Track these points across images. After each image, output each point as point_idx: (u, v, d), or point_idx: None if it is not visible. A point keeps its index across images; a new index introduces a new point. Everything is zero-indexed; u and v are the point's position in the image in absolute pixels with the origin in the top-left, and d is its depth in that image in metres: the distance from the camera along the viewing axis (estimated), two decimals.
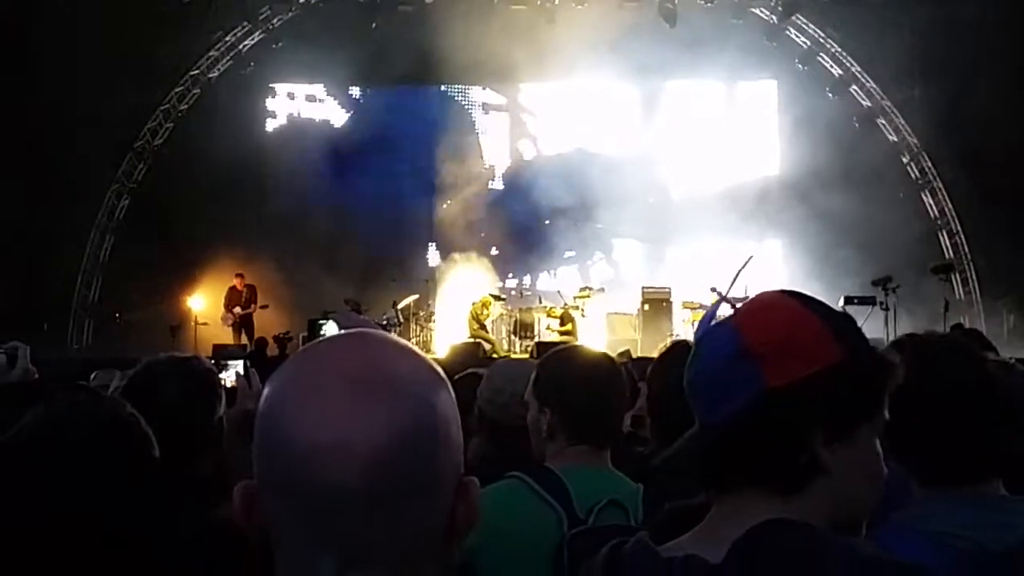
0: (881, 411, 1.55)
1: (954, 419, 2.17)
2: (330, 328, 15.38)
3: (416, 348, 1.31)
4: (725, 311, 1.62)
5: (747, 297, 1.62)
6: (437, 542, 1.22)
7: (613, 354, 3.49)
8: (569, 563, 2.55)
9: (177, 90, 21.17)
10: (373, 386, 1.17)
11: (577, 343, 3.98)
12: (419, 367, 1.24)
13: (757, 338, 1.51)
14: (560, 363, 3.04)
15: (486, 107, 21.51)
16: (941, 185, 20.75)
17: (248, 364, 3.38)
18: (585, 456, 2.89)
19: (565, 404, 2.92)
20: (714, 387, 1.55)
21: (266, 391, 1.23)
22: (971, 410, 2.19)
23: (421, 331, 19.76)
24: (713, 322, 1.61)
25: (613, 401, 3.00)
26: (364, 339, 1.27)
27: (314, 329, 16.79)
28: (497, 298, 19.04)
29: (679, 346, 3.80)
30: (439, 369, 1.27)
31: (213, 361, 3.92)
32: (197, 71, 21.23)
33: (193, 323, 19.11)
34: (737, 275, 1.70)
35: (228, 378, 3.47)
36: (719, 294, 1.64)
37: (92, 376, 4.21)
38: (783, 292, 1.61)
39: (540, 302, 20.14)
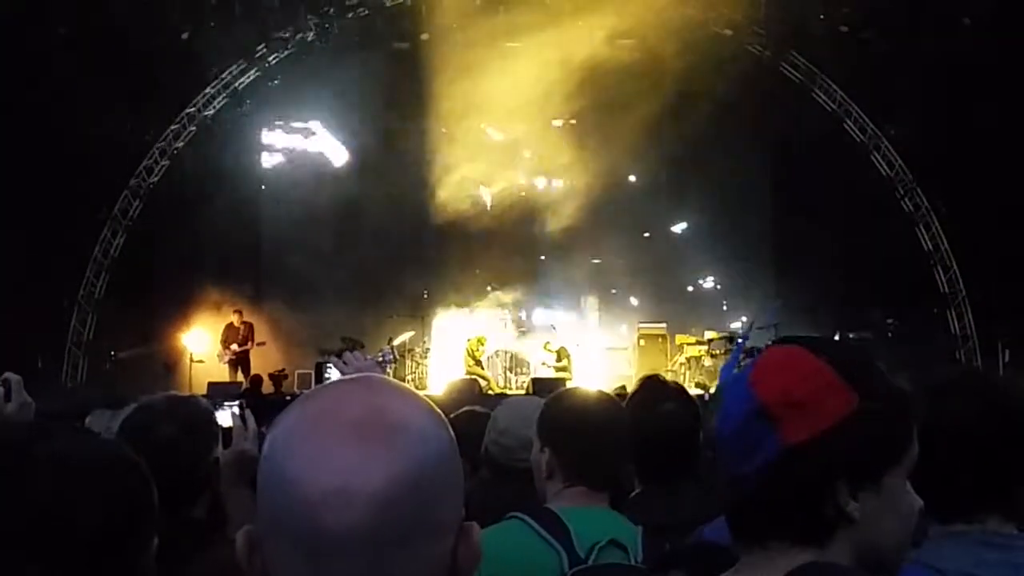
0: (906, 450, 1.56)
1: (959, 454, 2.16)
2: (333, 373, 15.37)
3: (417, 392, 1.32)
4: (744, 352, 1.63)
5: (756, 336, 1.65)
6: None
7: (609, 390, 3.49)
8: None
9: (173, 127, 21.19)
10: (374, 432, 1.19)
11: (584, 387, 3.98)
12: (420, 412, 1.25)
13: (772, 398, 1.53)
14: (562, 404, 3.08)
15: (482, 143, 21.55)
16: (935, 219, 20.80)
17: (243, 404, 3.35)
18: (584, 497, 2.90)
19: (564, 445, 2.95)
20: (737, 444, 1.57)
21: (269, 436, 1.25)
22: (976, 445, 2.18)
23: (416, 367, 19.78)
24: (735, 369, 1.65)
25: (613, 444, 3.00)
26: (366, 384, 1.28)
27: (321, 371, 16.81)
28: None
29: (644, 387, 3.81)
30: (440, 413, 1.28)
31: (208, 398, 3.90)
32: (193, 108, 21.28)
33: (188, 360, 19.08)
34: (751, 327, 1.72)
35: (224, 418, 3.45)
36: (738, 342, 1.66)
37: (87, 419, 4.17)
38: (795, 343, 1.62)
39: (536, 338, 20.15)
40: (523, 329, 20.66)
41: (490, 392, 16.99)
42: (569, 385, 17.09)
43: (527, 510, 2.84)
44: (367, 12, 21.11)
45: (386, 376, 1.36)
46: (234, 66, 21.30)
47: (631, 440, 3.56)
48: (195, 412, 3.04)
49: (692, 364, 18.90)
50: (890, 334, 17.47)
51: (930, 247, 20.98)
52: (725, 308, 21.25)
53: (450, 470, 1.24)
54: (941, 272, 20.90)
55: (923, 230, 21.02)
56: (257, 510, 1.22)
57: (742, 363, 1.64)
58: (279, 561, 1.19)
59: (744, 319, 19.77)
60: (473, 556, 1.25)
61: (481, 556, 1.27)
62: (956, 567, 2.07)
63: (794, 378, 1.54)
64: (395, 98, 20.28)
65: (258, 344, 18.77)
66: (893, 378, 1.59)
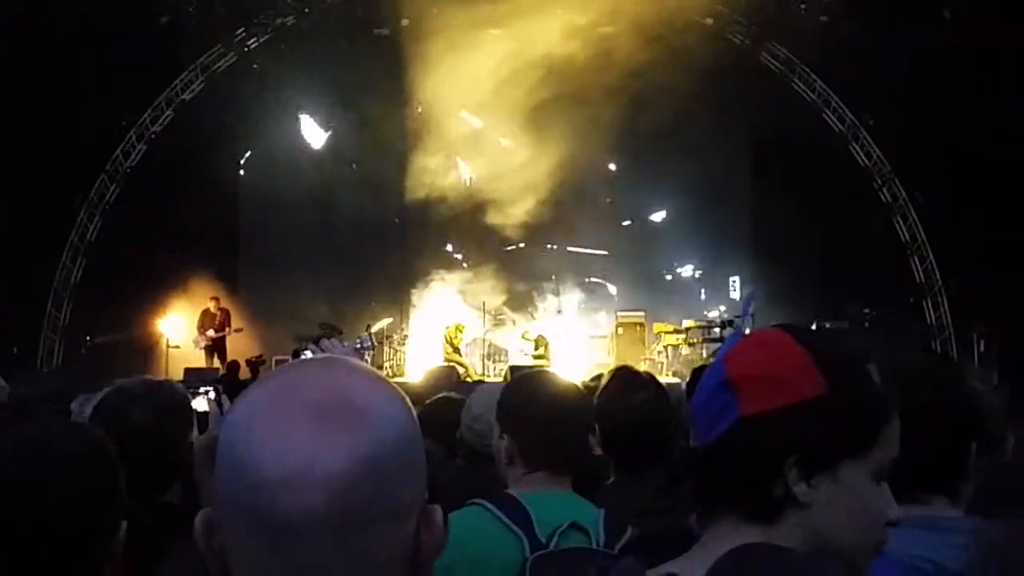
0: (871, 449, 1.55)
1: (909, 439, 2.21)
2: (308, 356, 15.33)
3: (379, 373, 1.29)
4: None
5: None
6: (401, 568, 1.21)
7: (587, 378, 3.50)
8: None
9: (149, 112, 21.07)
10: (334, 413, 1.16)
11: (544, 369, 3.95)
12: (381, 393, 1.22)
13: (738, 370, 1.55)
14: (521, 390, 3.06)
15: (462, 129, 21.49)
16: (912, 210, 20.89)
17: (220, 389, 3.34)
18: (545, 482, 2.90)
19: (524, 432, 2.94)
20: (703, 414, 1.58)
21: (227, 417, 1.22)
22: (925, 432, 2.19)
23: (395, 355, 19.77)
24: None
25: (573, 430, 3.00)
26: (327, 365, 1.26)
27: (298, 357, 16.74)
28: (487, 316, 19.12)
29: (616, 376, 3.82)
30: (403, 395, 1.25)
31: (184, 384, 3.88)
32: (171, 92, 21.16)
33: (165, 346, 19.01)
34: (746, 311, 1.73)
35: (199, 403, 3.43)
36: (736, 328, 1.68)
37: (72, 402, 4.14)
38: (784, 326, 1.63)
39: (514, 325, 20.17)
40: (501, 317, 20.66)
41: (468, 379, 16.99)
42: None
43: (487, 496, 2.83)
44: None
45: (350, 358, 1.33)
46: (212, 50, 21.19)
47: (604, 429, 3.59)
48: (170, 396, 3.03)
49: (670, 352, 18.94)
50: (867, 324, 17.55)
51: (907, 237, 21.08)
52: (703, 297, 21.31)
53: (412, 453, 1.22)
54: (918, 262, 21.00)
55: (900, 220, 21.11)
56: (216, 492, 1.19)
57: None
58: (237, 544, 1.17)
59: (723, 308, 19.86)
60: (436, 539, 1.23)
61: (445, 539, 1.25)
62: (901, 550, 2.09)
63: (765, 355, 1.56)
64: (374, 83, 20.17)
65: (235, 331, 18.73)
66: (878, 381, 1.59)
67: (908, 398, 2.19)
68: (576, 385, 3.19)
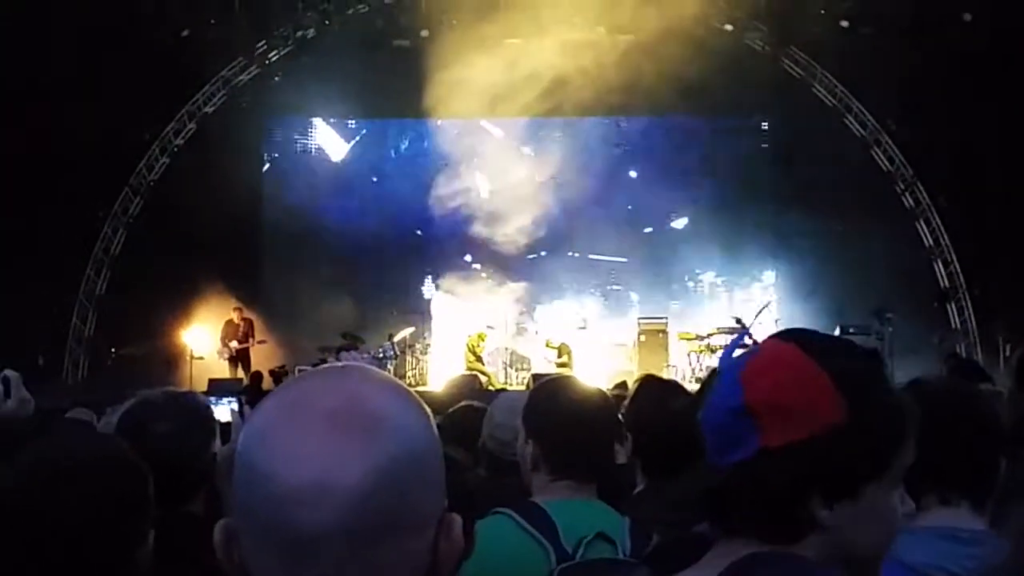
0: (892, 467, 1.53)
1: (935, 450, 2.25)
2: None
3: (396, 381, 1.29)
4: (745, 342, 1.62)
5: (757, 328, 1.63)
6: None
7: (609, 385, 3.50)
8: None
9: (173, 125, 21.18)
10: (351, 423, 1.16)
11: (570, 375, 3.93)
12: (398, 402, 1.22)
13: (758, 396, 1.51)
14: (548, 396, 3.03)
15: (483, 139, 21.53)
16: (935, 214, 20.77)
17: (243, 400, 3.35)
18: (570, 490, 2.87)
19: (550, 437, 2.91)
20: (719, 436, 1.55)
21: (245, 428, 1.21)
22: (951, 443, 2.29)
23: (417, 364, 19.79)
24: (733, 355, 1.61)
25: (599, 436, 2.97)
26: (343, 374, 1.25)
27: None
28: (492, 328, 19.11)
29: (646, 385, 3.81)
30: (420, 402, 1.25)
31: (208, 395, 3.90)
32: (193, 106, 21.27)
33: (189, 357, 19.07)
34: (759, 314, 1.71)
35: (222, 414, 3.45)
36: (742, 325, 1.65)
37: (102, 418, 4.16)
38: (793, 340, 1.58)
39: (537, 334, 20.16)
40: (524, 325, 20.65)
41: (491, 388, 16.98)
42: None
43: (513, 505, 2.80)
44: (367, 9, 21.07)
45: (367, 366, 1.33)
46: (234, 63, 21.29)
47: (638, 437, 3.57)
48: (193, 407, 3.04)
49: (692, 359, 18.87)
50: (890, 329, 17.45)
51: (931, 242, 20.96)
52: (725, 303, 21.24)
53: (430, 462, 1.21)
54: (941, 267, 20.88)
55: (924, 225, 20.99)
56: (234, 503, 1.19)
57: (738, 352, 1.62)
58: (255, 555, 1.17)
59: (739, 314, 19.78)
60: (455, 549, 1.22)
61: (463, 548, 1.24)
62: (923, 560, 2.16)
63: (783, 381, 1.51)
64: (394, 94, 20.25)
65: (258, 342, 18.78)
66: (892, 388, 1.57)
67: (938, 411, 2.24)
68: (603, 392, 3.16)
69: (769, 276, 20.78)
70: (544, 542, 2.66)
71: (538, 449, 2.92)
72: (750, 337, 1.62)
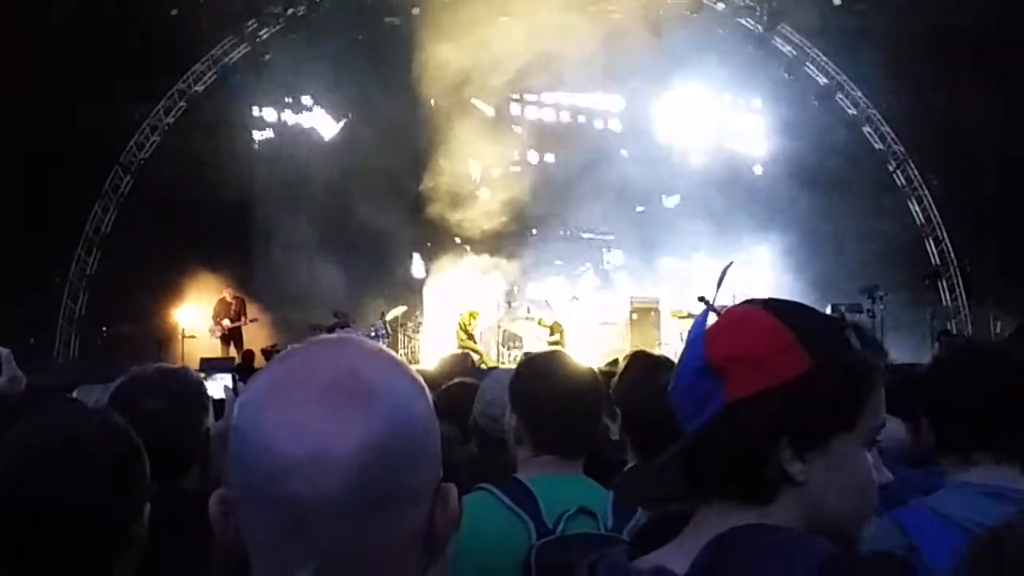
0: (860, 419, 1.53)
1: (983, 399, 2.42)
2: None
3: (391, 353, 1.28)
4: (712, 319, 1.62)
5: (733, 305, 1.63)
6: (416, 548, 1.21)
7: (601, 363, 3.49)
8: (537, 572, 2.55)
9: (162, 103, 21.11)
10: (348, 394, 1.15)
11: (558, 351, 3.90)
12: (395, 373, 1.22)
13: (721, 353, 1.52)
14: (533, 371, 3.03)
15: (474, 117, 21.49)
16: (927, 192, 20.81)
17: (236, 377, 3.35)
18: (553, 465, 2.86)
19: (533, 412, 2.90)
20: (687, 400, 1.56)
21: (240, 400, 1.21)
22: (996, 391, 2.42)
23: (409, 342, 19.80)
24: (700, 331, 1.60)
25: (584, 412, 2.95)
26: (338, 346, 1.25)
27: None
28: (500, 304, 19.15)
29: (635, 361, 3.80)
30: (415, 374, 1.25)
31: (201, 374, 3.89)
32: (183, 84, 21.19)
33: (180, 336, 19.05)
34: (720, 282, 1.70)
35: (215, 390, 3.44)
36: (706, 303, 1.64)
37: (74, 391, 4.16)
38: (758, 303, 1.60)
39: (529, 312, 20.17)
40: (515, 303, 20.66)
41: (483, 366, 16.98)
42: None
43: (495, 481, 2.79)
44: None
45: (362, 338, 1.32)
46: (224, 41, 21.20)
47: (627, 413, 3.57)
48: (185, 383, 3.04)
49: (684, 337, 18.86)
50: (882, 307, 17.50)
51: (922, 220, 21.00)
52: (717, 281, 21.24)
53: (425, 432, 1.21)
54: (932, 244, 20.94)
55: (915, 203, 21.04)
56: (230, 475, 1.18)
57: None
58: (252, 526, 1.17)
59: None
60: (451, 519, 1.23)
61: (459, 518, 1.24)
62: (963, 515, 2.22)
63: (746, 336, 1.53)
64: (386, 72, 20.18)
65: (250, 320, 18.75)
66: (864, 344, 1.56)
67: (1002, 371, 2.46)
68: (590, 368, 3.14)
69: (761, 253, 20.78)
70: (525, 517, 2.66)
71: (522, 424, 2.91)
72: (715, 312, 1.62)
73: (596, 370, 3.34)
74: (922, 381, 2.59)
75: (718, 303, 1.64)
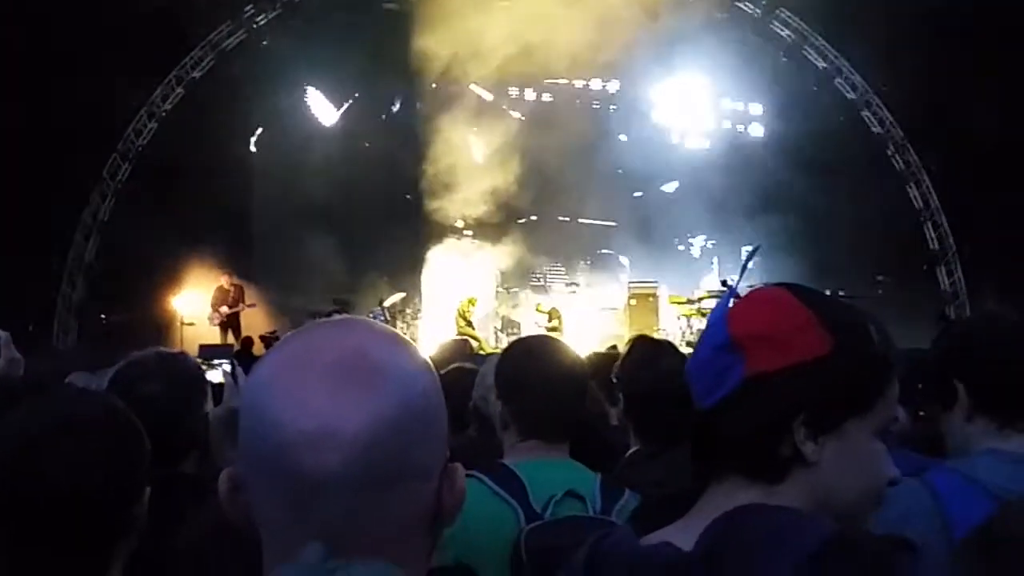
0: (875, 405, 1.55)
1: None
2: None
3: (399, 333, 1.30)
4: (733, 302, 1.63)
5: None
6: (424, 526, 1.22)
7: (602, 349, 3.49)
8: (527, 557, 2.55)
9: (160, 90, 21.07)
10: (357, 372, 1.17)
11: (544, 335, 3.90)
12: (403, 352, 1.23)
13: (743, 329, 1.54)
14: (517, 356, 3.03)
15: (473, 102, 21.47)
16: (926, 177, 20.81)
17: (235, 362, 3.34)
18: (540, 450, 2.87)
19: (518, 397, 2.91)
20: (705, 375, 1.57)
21: (250, 378, 1.22)
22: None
23: (408, 328, 19.79)
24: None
25: (569, 395, 2.95)
26: (348, 326, 1.26)
27: None
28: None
29: (638, 345, 3.80)
30: (424, 355, 1.26)
31: (200, 359, 3.89)
32: (181, 70, 21.15)
33: (179, 323, 19.06)
34: (745, 267, 1.72)
35: (215, 376, 3.45)
36: (729, 287, 1.65)
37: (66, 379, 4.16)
38: (783, 285, 1.62)
39: (527, 298, 20.18)
40: (514, 289, 20.66)
41: (482, 352, 16.97)
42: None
43: (481, 467, 2.79)
44: None
45: (369, 319, 1.34)
46: (222, 26, 21.15)
47: (629, 397, 3.57)
48: (184, 368, 3.04)
49: (683, 323, 18.92)
50: (880, 291, 17.54)
51: (920, 204, 21.01)
52: (716, 267, 21.28)
53: (433, 411, 1.22)
54: (931, 229, 20.95)
55: (914, 187, 21.04)
56: (240, 452, 1.20)
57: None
58: (261, 504, 1.18)
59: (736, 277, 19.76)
60: (457, 497, 1.25)
61: (465, 497, 1.26)
62: (991, 480, 2.26)
63: (770, 314, 1.55)
64: (384, 58, 20.14)
65: (248, 306, 18.76)
66: (881, 339, 1.58)
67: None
68: (574, 352, 3.12)
69: (759, 238, 20.77)
70: (513, 503, 2.68)
71: (507, 409, 2.92)
72: (737, 296, 1.63)
73: (595, 354, 3.34)
74: (959, 346, 2.61)
75: (740, 286, 1.65)
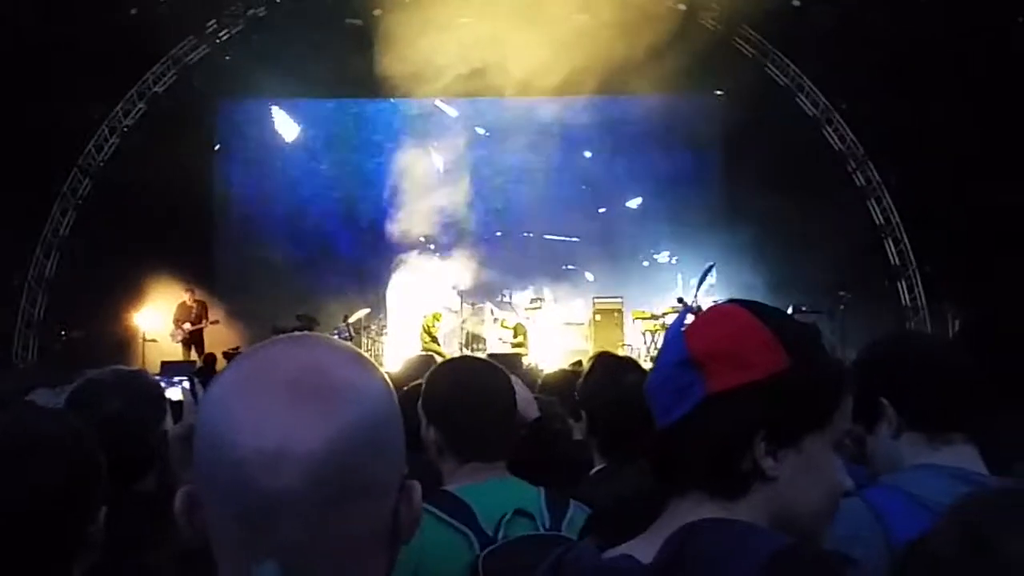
0: (831, 420, 1.57)
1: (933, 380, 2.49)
2: None
3: (355, 349, 1.30)
4: (690, 319, 1.65)
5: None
6: (381, 543, 1.22)
7: (565, 364, 3.49)
8: None
9: (121, 105, 20.93)
10: (310, 390, 1.16)
11: (465, 356, 3.89)
12: (359, 370, 1.23)
13: (702, 347, 1.56)
14: (440, 381, 2.99)
15: (437, 119, 21.48)
16: (886, 193, 21.00)
17: (195, 379, 3.30)
18: (478, 472, 2.85)
19: (446, 420, 2.89)
20: (665, 393, 1.58)
21: (206, 396, 1.22)
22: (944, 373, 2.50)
23: (372, 345, 19.74)
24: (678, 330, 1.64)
25: (497, 412, 2.92)
26: (303, 343, 1.26)
27: None
28: (453, 310, 19.13)
29: (601, 361, 3.81)
30: (381, 371, 1.26)
31: (161, 377, 3.86)
32: (142, 85, 21.03)
33: (141, 340, 18.92)
34: (700, 283, 1.74)
35: (175, 393, 3.42)
36: (684, 303, 1.68)
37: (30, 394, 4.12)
38: (739, 301, 1.65)
39: (492, 314, 20.17)
40: (478, 305, 20.65)
41: None
42: (531, 360, 17.18)
43: (427, 499, 2.75)
44: None
45: (326, 335, 1.34)
46: (184, 42, 21.06)
47: (592, 414, 3.57)
48: (142, 386, 3.02)
49: (647, 338, 18.98)
50: (842, 306, 17.66)
51: (881, 220, 21.19)
52: (680, 283, 21.36)
53: (389, 428, 1.22)
54: (892, 245, 21.13)
55: (875, 204, 21.22)
56: (195, 470, 1.19)
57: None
58: (217, 522, 1.18)
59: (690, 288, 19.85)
60: (414, 515, 1.24)
61: (422, 513, 1.26)
62: (933, 497, 2.24)
63: (727, 331, 1.57)
64: (347, 74, 20.12)
65: (211, 323, 18.67)
66: (834, 353, 1.62)
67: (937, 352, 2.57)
68: (494, 365, 3.10)
69: (721, 253, 20.87)
70: (464, 529, 2.65)
71: (440, 435, 2.90)
72: (693, 314, 1.66)
73: (548, 370, 3.35)
74: (884, 364, 2.62)
75: (696, 304, 1.67)
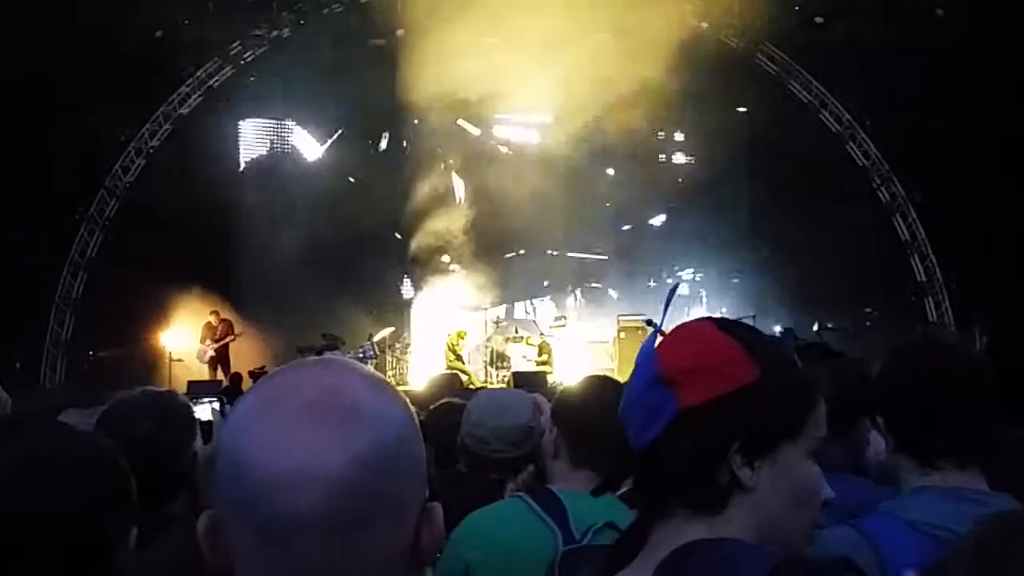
0: (804, 429, 1.59)
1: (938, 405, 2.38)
2: None
3: (375, 373, 1.31)
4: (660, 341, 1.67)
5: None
6: (401, 566, 1.22)
7: None
8: None
9: (148, 126, 21.08)
10: (331, 412, 1.17)
11: (607, 376, 3.93)
12: (377, 392, 1.23)
13: (672, 364, 1.58)
14: (581, 390, 3.15)
15: (460, 138, 21.52)
16: (911, 208, 20.90)
17: (223, 400, 3.33)
18: (587, 481, 2.91)
19: (575, 429, 3.01)
20: (638, 413, 1.61)
21: (228, 419, 1.23)
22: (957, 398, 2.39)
23: (397, 363, 19.78)
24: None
25: (622, 433, 2.98)
26: (324, 366, 1.27)
27: None
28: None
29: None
30: (400, 393, 1.27)
31: (188, 397, 3.87)
32: (168, 107, 21.18)
33: (168, 360, 18.99)
34: (667, 305, 1.76)
35: (203, 412, 3.44)
36: (654, 325, 1.69)
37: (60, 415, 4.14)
38: (707, 319, 1.68)
39: (516, 332, 20.17)
40: (503, 323, 20.65)
41: (471, 386, 16.98)
42: (555, 378, 17.15)
43: (530, 491, 2.95)
44: (342, 8, 21.08)
45: (346, 359, 1.35)
46: (209, 63, 21.22)
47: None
48: (172, 406, 3.03)
49: None
50: (868, 323, 17.58)
51: (907, 236, 21.09)
52: (704, 300, 21.33)
53: (410, 450, 1.23)
54: (918, 261, 21.02)
55: (900, 219, 21.13)
56: (217, 494, 1.20)
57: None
58: (239, 544, 1.18)
59: (724, 309, 19.83)
60: (436, 537, 1.25)
61: (443, 536, 1.26)
62: (927, 519, 2.20)
63: (696, 347, 1.59)
64: (370, 94, 20.20)
65: (236, 335, 18.72)
66: (804, 365, 1.64)
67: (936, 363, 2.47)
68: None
69: (747, 272, 20.81)
70: (553, 526, 2.78)
71: (561, 438, 3.03)
72: (662, 333, 1.67)
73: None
74: (877, 385, 2.58)
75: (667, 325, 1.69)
